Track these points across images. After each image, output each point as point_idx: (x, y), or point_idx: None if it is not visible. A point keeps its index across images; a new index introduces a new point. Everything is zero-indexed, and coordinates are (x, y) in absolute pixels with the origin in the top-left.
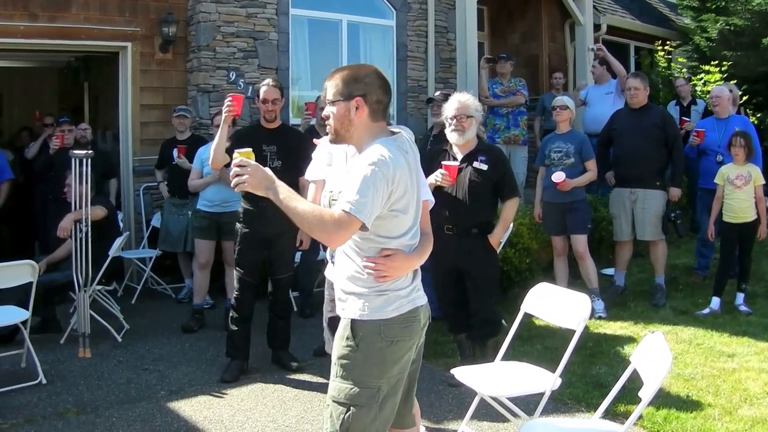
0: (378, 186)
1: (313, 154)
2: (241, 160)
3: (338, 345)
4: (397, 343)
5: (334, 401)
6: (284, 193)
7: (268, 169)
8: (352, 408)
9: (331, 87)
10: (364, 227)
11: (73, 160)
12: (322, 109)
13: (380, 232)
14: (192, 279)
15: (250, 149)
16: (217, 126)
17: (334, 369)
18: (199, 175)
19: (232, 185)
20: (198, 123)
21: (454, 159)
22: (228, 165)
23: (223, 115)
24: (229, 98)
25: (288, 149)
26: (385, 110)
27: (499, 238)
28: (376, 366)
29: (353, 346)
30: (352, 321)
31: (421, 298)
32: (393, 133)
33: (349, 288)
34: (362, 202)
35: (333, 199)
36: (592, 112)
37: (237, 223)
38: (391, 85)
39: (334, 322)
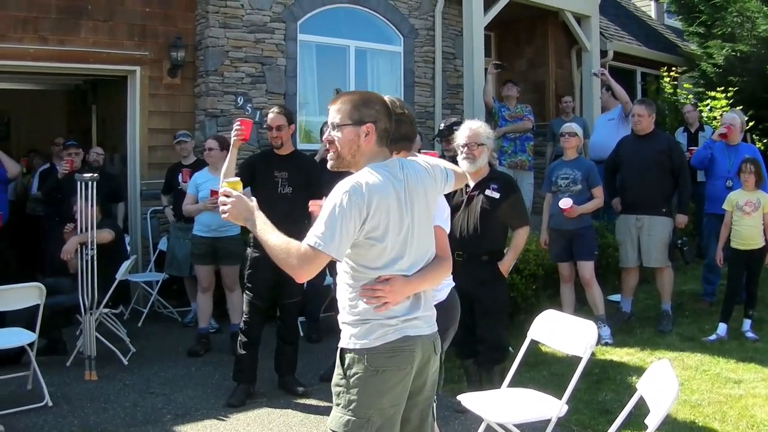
0: (347, 215)
1: None
2: (226, 190)
3: (334, 374)
4: (384, 373)
5: (330, 429)
6: (260, 225)
7: (251, 201)
8: None
9: (338, 111)
10: (336, 258)
11: (78, 183)
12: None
13: (361, 261)
14: None
15: (238, 179)
16: (209, 149)
17: (333, 397)
18: (193, 200)
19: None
20: (204, 147)
21: (467, 186)
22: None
23: (232, 139)
24: (238, 122)
25: (299, 176)
26: (389, 138)
27: (509, 265)
28: (362, 395)
29: (341, 374)
30: (341, 350)
31: (418, 328)
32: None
33: (342, 317)
34: (328, 235)
35: None
36: (595, 139)
37: (248, 248)
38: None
39: None
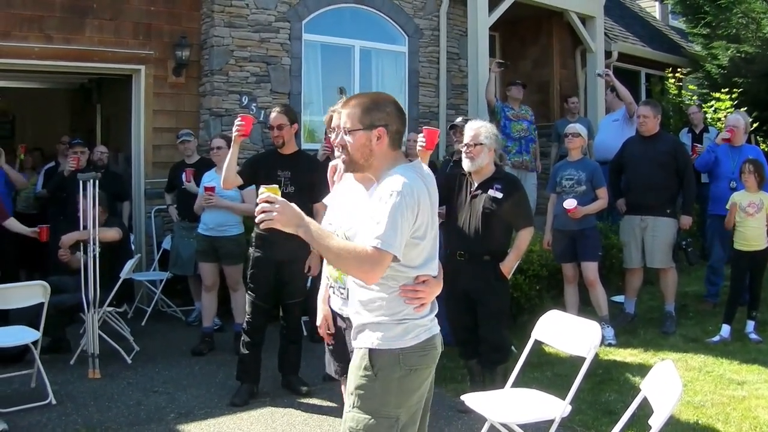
0: (404, 215)
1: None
2: (269, 196)
3: (355, 375)
4: (416, 371)
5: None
6: (316, 231)
7: (295, 206)
8: None
9: (349, 116)
10: (395, 258)
11: (80, 181)
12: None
13: (403, 260)
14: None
15: (276, 185)
16: (212, 149)
17: (351, 399)
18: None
19: (257, 221)
20: (210, 146)
21: (472, 185)
22: (241, 187)
23: (233, 135)
24: (239, 118)
25: (303, 175)
26: (401, 140)
27: (511, 266)
28: (394, 396)
29: (371, 375)
30: (370, 351)
31: (437, 327)
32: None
33: (366, 317)
34: (391, 235)
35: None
36: (599, 140)
37: (250, 248)
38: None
39: (333, 345)
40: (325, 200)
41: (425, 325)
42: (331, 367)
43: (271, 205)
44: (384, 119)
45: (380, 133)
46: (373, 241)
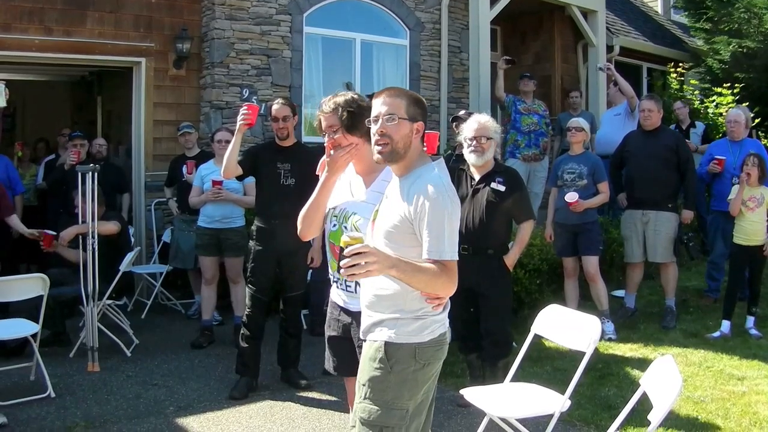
0: (453, 216)
1: None
2: (360, 247)
3: (369, 367)
4: (429, 365)
5: (363, 423)
6: (406, 266)
7: (381, 248)
8: (382, 430)
9: (397, 105)
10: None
11: (79, 174)
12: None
13: None
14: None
15: (361, 236)
16: (218, 142)
17: (363, 390)
18: (199, 192)
19: (343, 273)
20: (214, 139)
21: (471, 179)
22: (240, 178)
23: (238, 124)
24: (245, 107)
25: (302, 168)
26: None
27: (514, 259)
28: (407, 388)
29: (386, 368)
30: (386, 344)
31: (447, 320)
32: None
33: (384, 313)
34: (453, 242)
35: (334, 224)
36: (601, 134)
37: (250, 241)
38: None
39: (334, 340)
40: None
41: (441, 321)
42: (329, 362)
43: (365, 255)
44: (422, 116)
45: (419, 127)
46: (447, 254)
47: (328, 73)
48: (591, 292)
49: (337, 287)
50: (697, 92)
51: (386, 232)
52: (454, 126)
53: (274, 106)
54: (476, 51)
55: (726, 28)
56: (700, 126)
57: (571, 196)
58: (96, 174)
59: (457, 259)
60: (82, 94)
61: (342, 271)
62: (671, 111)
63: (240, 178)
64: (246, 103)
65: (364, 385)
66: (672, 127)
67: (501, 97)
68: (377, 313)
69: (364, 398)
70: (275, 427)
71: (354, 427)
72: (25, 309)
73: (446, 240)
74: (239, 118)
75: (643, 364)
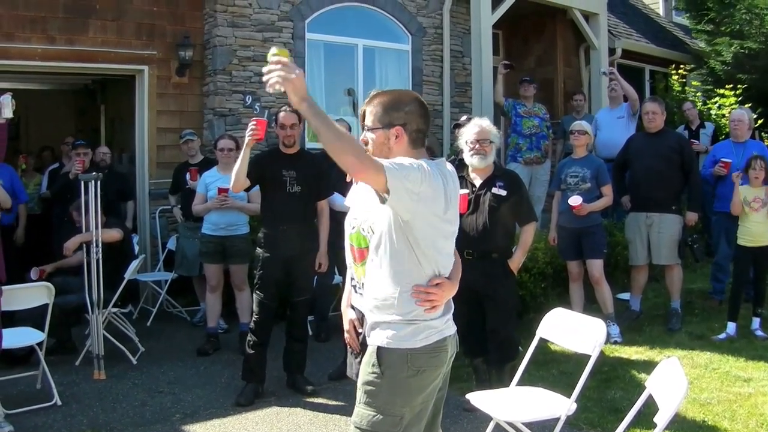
0: (413, 167)
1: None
2: (281, 59)
3: (364, 371)
4: (423, 372)
5: (356, 427)
6: (318, 109)
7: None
8: None
9: (370, 113)
10: (384, 191)
11: (81, 183)
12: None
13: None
14: None
15: (287, 50)
16: (221, 150)
17: (359, 394)
18: (203, 199)
19: (269, 80)
20: (217, 147)
21: (472, 185)
22: (248, 189)
23: (246, 138)
24: (254, 122)
25: (308, 175)
26: (425, 138)
27: (518, 262)
28: (400, 395)
29: (378, 373)
30: (379, 348)
31: (450, 329)
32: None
33: (378, 316)
34: (398, 167)
35: (353, 226)
36: (604, 137)
37: (257, 248)
38: (430, 113)
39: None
40: (347, 201)
41: (436, 327)
42: (352, 369)
43: (287, 67)
44: (402, 118)
45: (398, 132)
46: (385, 161)
47: (331, 79)
48: (596, 296)
49: (356, 292)
50: (699, 94)
51: (376, 242)
52: (456, 132)
53: (281, 114)
54: (478, 55)
55: (727, 30)
56: (709, 126)
57: (575, 200)
58: (99, 182)
59: (385, 172)
60: (85, 103)
61: (264, 77)
62: (674, 113)
63: (247, 189)
64: (254, 118)
65: (360, 389)
66: (682, 127)
67: (500, 102)
68: (374, 316)
69: (360, 403)
70: None
71: None
72: (31, 317)
73: (396, 164)
74: (247, 132)
75: (648, 366)
